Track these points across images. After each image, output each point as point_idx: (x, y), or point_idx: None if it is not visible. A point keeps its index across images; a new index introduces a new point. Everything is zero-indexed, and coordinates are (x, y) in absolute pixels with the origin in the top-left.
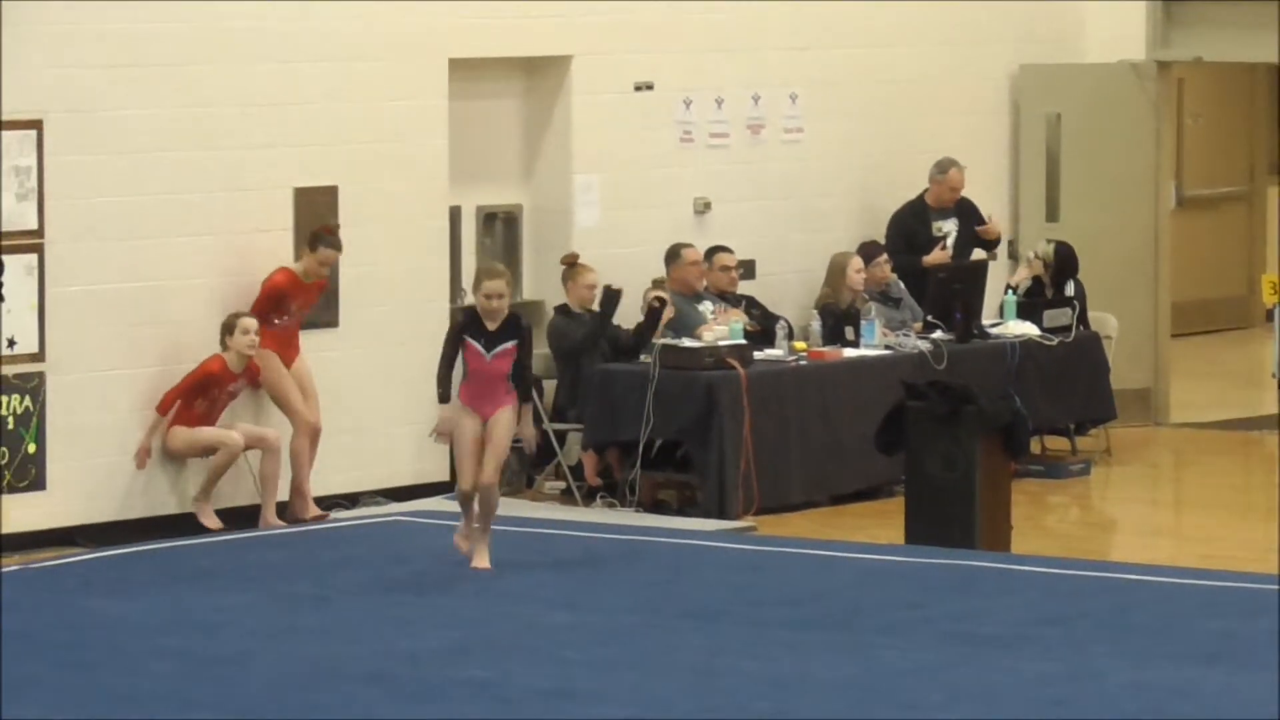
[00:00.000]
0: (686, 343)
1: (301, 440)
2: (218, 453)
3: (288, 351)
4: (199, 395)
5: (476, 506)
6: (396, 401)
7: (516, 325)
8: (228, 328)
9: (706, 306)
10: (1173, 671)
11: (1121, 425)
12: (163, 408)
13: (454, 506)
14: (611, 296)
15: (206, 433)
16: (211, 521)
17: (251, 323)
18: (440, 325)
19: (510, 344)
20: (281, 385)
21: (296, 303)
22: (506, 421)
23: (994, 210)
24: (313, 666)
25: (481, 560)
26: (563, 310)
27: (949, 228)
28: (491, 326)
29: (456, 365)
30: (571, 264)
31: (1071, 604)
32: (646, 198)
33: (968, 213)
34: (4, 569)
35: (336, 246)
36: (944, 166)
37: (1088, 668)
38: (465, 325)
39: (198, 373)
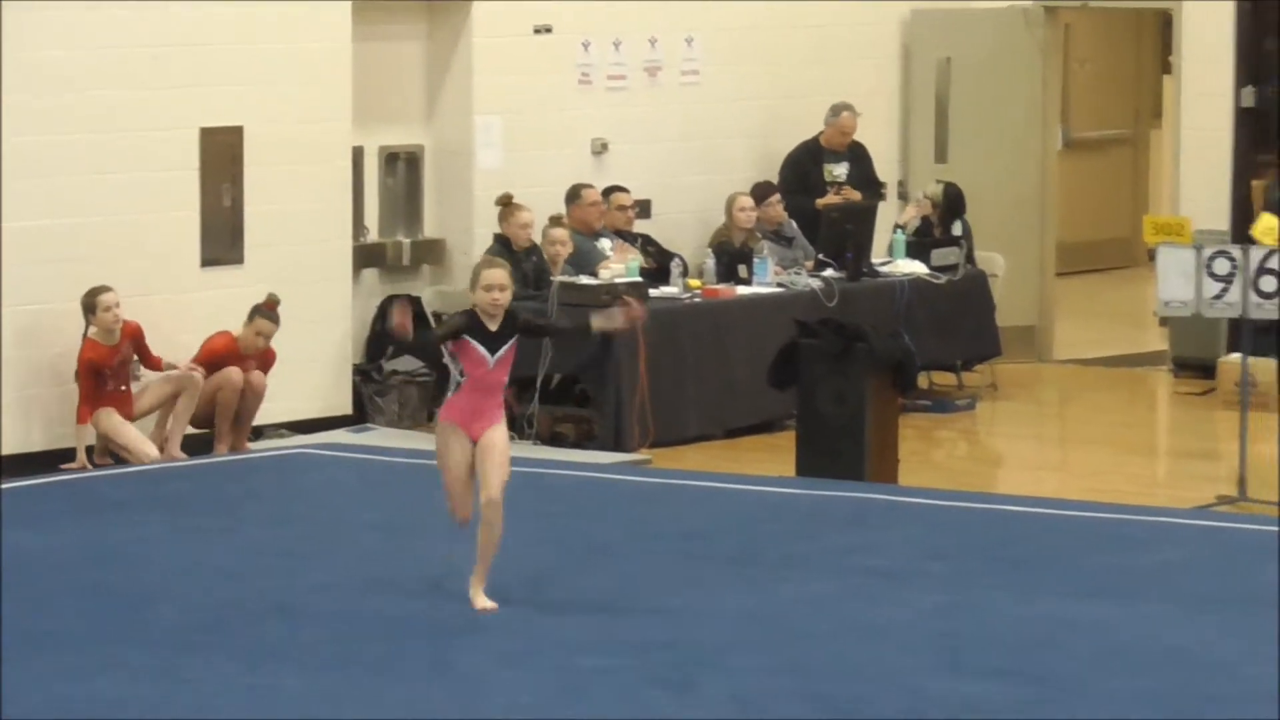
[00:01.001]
0: (584, 280)
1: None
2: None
3: None
4: (105, 381)
5: (480, 535)
6: (300, 337)
7: (514, 320)
8: (89, 307)
9: (605, 244)
10: (1060, 604)
11: (1007, 362)
12: (82, 418)
13: (359, 439)
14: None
15: (128, 436)
16: (81, 458)
17: (111, 298)
18: (343, 263)
19: (511, 343)
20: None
21: (237, 365)
22: (503, 437)
23: (884, 151)
24: (221, 599)
25: (481, 600)
26: (502, 241)
27: (840, 171)
28: (493, 327)
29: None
30: (506, 204)
31: (959, 536)
32: (546, 139)
33: (860, 156)
34: None
35: (273, 320)
36: (837, 110)
37: (976, 599)
38: (468, 327)
39: (82, 367)
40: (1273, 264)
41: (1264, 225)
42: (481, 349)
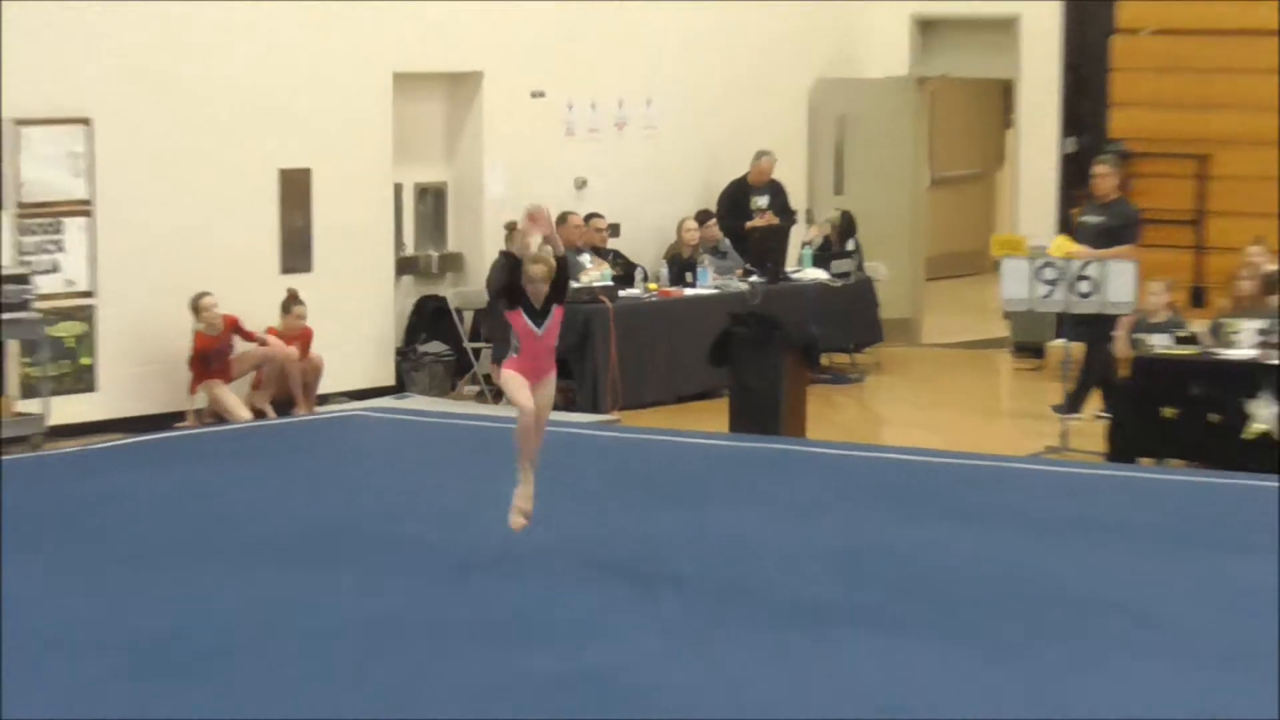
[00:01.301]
0: (570, 283)
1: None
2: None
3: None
4: (210, 362)
5: (533, 443)
6: (354, 323)
7: (551, 296)
8: (194, 308)
9: (585, 258)
10: (930, 529)
11: (888, 346)
12: (193, 390)
13: (399, 404)
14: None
15: (229, 402)
16: (191, 419)
17: (210, 301)
18: (387, 270)
19: (554, 314)
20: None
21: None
22: (549, 396)
23: (795, 186)
24: (289, 524)
25: (518, 518)
26: (506, 254)
27: (762, 202)
28: (538, 306)
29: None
30: (511, 229)
31: (852, 478)
32: (539, 176)
33: (777, 190)
34: (60, 451)
35: (303, 302)
36: (759, 155)
37: (866, 527)
38: (523, 305)
39: (193, 354)
40: (1086, 272)
41: (1056, 244)
42: (530, 323)
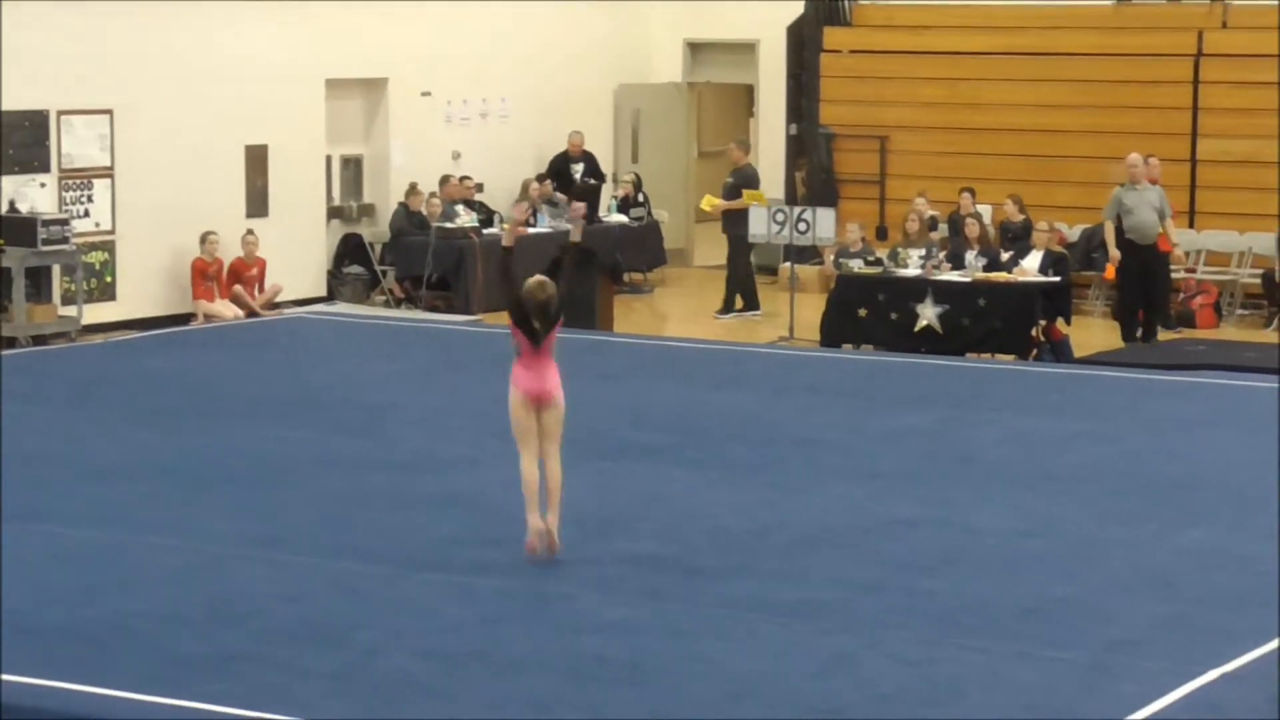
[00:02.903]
0: (449, 225)
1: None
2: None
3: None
4: (206, 280)
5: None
6: (298, 252)
7: (553, 316)
8: (201, 240)
9: (459, 208)
10: (701, 392)
11: (669, 268)
12: (195, 298)
13: (330, 309)
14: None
15: (215, 309)
16: (199, 321)
17: (216, 238)
18: (320, 215)
19: (552, 331)
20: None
21: (248, 269)
22: (559, 411)
23: (605, 157)
24: (255, 393)
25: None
26: (403, 207)
27: (579, 168)
28: (537, 325)
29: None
30: (411, 189)
31: (646, 358)
32: (429, 151)
33: (590, 159)
34: (93, 342)
35: (256, 241)
36: (573, 135)
37: (652, 390)
38: (518, 320)
39: (195, 272)
40: (805, 216)
41: (706, 200)
42: (527, 340)
